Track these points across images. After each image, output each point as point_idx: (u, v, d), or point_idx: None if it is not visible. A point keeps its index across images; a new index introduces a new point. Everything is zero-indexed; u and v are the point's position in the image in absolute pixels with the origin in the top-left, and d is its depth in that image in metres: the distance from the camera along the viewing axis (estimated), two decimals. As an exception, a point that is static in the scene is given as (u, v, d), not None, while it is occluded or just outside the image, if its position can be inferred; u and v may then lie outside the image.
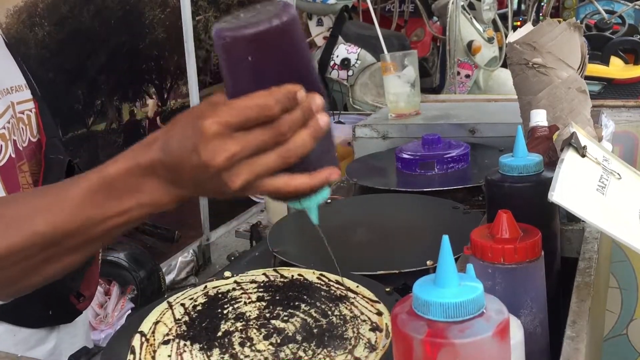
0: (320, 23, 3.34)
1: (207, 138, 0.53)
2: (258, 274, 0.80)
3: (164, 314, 0.72)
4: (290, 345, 0.64)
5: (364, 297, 0.73)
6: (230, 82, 0.55)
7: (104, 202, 0.58)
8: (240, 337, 0.66)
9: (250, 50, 0.52)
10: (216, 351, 0.64)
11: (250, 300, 0.74)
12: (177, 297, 0.76)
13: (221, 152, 0.53)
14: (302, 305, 0.71)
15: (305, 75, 0.56)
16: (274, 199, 0.61)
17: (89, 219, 0.58)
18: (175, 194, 0.58)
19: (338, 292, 0.74)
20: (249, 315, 0.70)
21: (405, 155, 1.24)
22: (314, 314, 0.70)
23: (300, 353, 0.63)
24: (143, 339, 0.67)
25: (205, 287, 0.78)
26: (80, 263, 0.64)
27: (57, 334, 0.94)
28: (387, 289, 0.75)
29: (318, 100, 0.55)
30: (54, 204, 0.59)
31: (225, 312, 0.71)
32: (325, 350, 0.63)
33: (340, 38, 3.24)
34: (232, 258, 1.03)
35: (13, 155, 0.85)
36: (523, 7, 4.01)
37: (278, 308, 0.71)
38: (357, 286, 0.75)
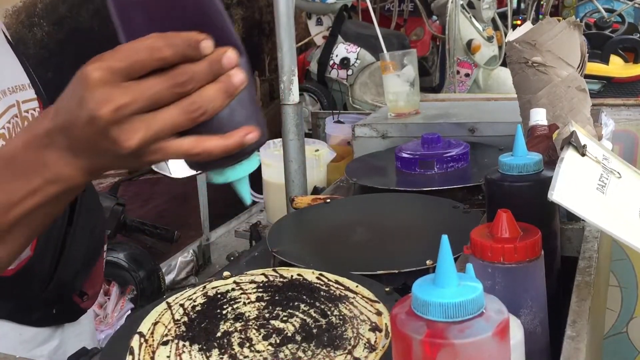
0: (319, 22, 3.34)
1: (91, 87, 0.46)
2: (257, 274, 0.80)
3: (162, 315, 0.72)
4: (290, 346, 0.64)
5: (364, 296, 0.73)
6: (121, 29, 0.49)
7: (8, 185, 0.52)
8: (240, 338, 0.66)
9: None
10: (215, 352, 0.64)
11: (249, 300, 0.73)
12: (176, 298, 0.76)
13: (107, 102, 0.46)
14: (302, 305, 0.71)
15: (213, 27, 0.49)
16: (193, 168, 0.53)
17: None
18: (79, 165, 0.51)
19: (337, 292, 0.74)
20: (248, 316, 0.70)
21: (404, 155, 1.24)
22: (314, 314, 0.69)
23: (300, 353, 0.63)
24: (142, 339, 0.67)
25: (204, 287, 0.78)
26: (16, 254, 0.58)
27: (61, 332, 0.94)
28: (387, 289, 0.74)
29: (230, 53, 0.48)
30: None
31: (224, 312, 0.71)
32: (324, 350, 0.63)
33: (339, 37, 3.24)
34: (232, 258, 1.02)
35: None
36: (522, 5, 4.01)
37: (277, 308, 0.71)
38: (357, 286, 0.75)
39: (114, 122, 0.47)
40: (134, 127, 0.47)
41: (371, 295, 0.73)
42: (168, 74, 0.47)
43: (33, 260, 0.83)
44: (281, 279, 0.78)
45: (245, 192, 0.55)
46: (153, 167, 1.44)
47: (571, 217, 0.85)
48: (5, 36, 0.91)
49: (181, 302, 0.74)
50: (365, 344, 0.63)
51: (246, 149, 0.51)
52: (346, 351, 0.63)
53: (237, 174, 0.53)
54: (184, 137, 0.49)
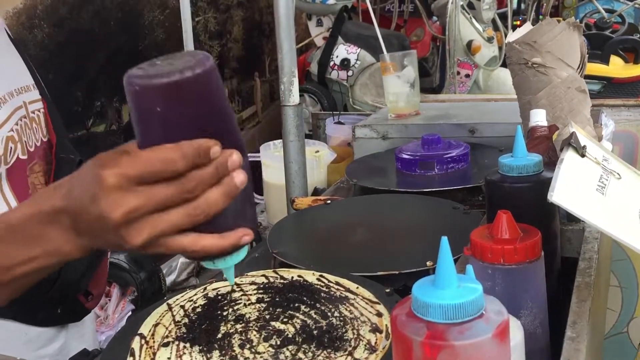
0: (319, 23, 3.34)
1: (106, 189, 0.50)
2: (258, 276, 0.80)
3: (163, 316, 0.72)
4: (290, 347, 0.64)
5: (364, 298, 0.73)
6: (139, 131, 0.52)
7: (9, 250, 0.56)
8: (240, 339, 0.66)
9: (159, 101, 0.50)
10: (216, 353, 0.64)
11: (249, 301, 0.74)
12: (177, 299, 0.76)
13: (120, 206, 0.50)
14: (302, 307, 0.71)
15: (222, 130, 0.53)
16: (186, 257, 0.58)
17: None
18: (80, 244, 0.55)
19: (338, 293, 0.74)
20: (249, 317, 0.70)
21: (405, 156, 1.24)
22: (314, 316, 0.69)
23: (300, 355, 0.63)
24: (143, 341, 0.67)
25: (205, 288, 0.78)
26: (8, 301, 0.61)
27: (65, 332, 0.95)
28: (387, 290, 0.74)
29: (235, 157, 0.52)
30: None
31: (224, 313, 0.71)
32: (325, 351, 0.63)
33: (339, 38, 3.24)
34: (232, 259, 1.02)
35: (23, 157, 0.85)
36: (523, 6, 4.01)
37: (278, 309, 0.71)
38: (357, 287, 0.75)
39: (124, 223, 0.51)
40: (141, 226, 0.51)
41: (371, 297, 0.73)
42: (178, 181, 0.51)
43: None
44: (282, 281, 0.78)
45: (231, 277, 0.59)
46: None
47: (571, 218, 0.85)
48: (10, 37, 0.92)
49: (182, 303, 0.74)
50: (365, 345, 0.64)
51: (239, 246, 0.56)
52: (347, 352, 0.63)
53: (226, 264, 0.57)
54: (183, 233, 0.53)
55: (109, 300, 1.97)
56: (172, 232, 0.52)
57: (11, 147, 0.83)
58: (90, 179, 0.51)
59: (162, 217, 0.51)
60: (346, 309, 0.70)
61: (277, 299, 0.73)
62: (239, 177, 0.53)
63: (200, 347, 0.65)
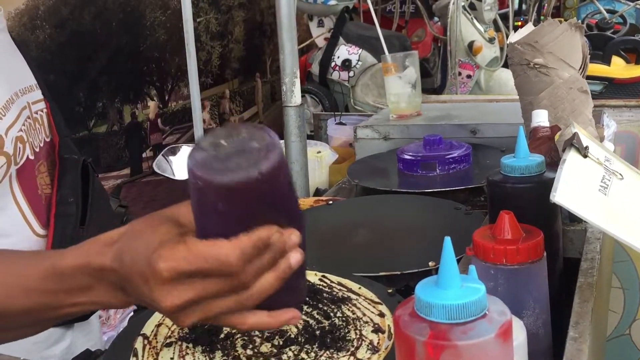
0: (321, 24, 3.34)
1: (159, 281, 0.50)
2: (260, 276, 0.80)
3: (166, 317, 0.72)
4: (293, 347, 0.64)
5: (366, 298, 0.73)
6: (197, 222, 0.50)
7: (56, 292, 0.56)
8: (243, 339, 0.66)
9: (221, 199, 0.47)
10: (218, 353, 0.64)
11: (252, 302, 0.74)
12: (179, 299, 0.76)
13: (172, 298, 0.49)
14: (304, 307, 0.71)
15: (284, 213, 0.50)
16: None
17: (39, 304, 0.57)
18: (125, 300, 0.55)
19: (340, 293, 0.74)
20: (251, 317, 0.70)
21: (406, 156, 1.24)
22: (316, 316, 0.70)
23: (303, 355, 0.63)
24: (145, 341, 0.67)
25: (207, 289, 0.78)
26: (34, 334, 0.63)
27: (72, 332, 0.95)
28: (390, 290, 0.74)
29: (294, 237, 0.51)
30: (10, 278, 0.58)
31: (227, 314, 0.71)
32: (327, 352, 0.63)
33: (341, 39, 3.24)
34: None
35: (31, 157, 0.86)
36: (524, 7, 4.01)
37: (280, 310, 0.71)
38: (359, 287, 0.75)
39: (174, 311, 0.50)
40: (191, 313, 0.50)
41: (374, 297, 0.73)
42: (233, 277, 0.49)
43: None
44: (284, 281, 0.78)
45: None
46: (155, 169, 1.44)
47: (573, 219, 0.85)
48: (11, 37, 0.92)
49: (184, 303, 0.74)
50: (368, 346, 0.64)
51: None
52: (349, 353, 0.63)
53: None
54: (232, 313, 0.51)
55: (111, 300, 1.97)
56: (221, 316, 0.51)
57: (20, 148, 0.84)
58: (143, 263, 0.50)
59: (212, 304, 0.50)
60: (348, 309, 0.71)
61: (280, 300, 0.73)
62: (296, 258, 0.51)
63: (203, 348, 0.65)
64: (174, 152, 1.43)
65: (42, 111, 0.91)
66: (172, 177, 1.50)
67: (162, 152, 1.45)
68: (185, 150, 1.45)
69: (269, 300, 0.51)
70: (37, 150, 0.88)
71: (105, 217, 0.94)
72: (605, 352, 1.18)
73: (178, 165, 1.45)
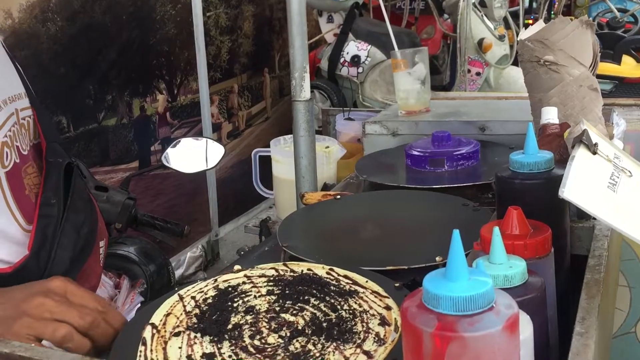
0: (330, 20, 3.34)
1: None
2: (267, 268, 0.81)
3: (174, 307, 0.73)
4: (300, 339, 0.65)
5: (373, 291, 0.73)
6: None
7: None
8: (250, 330, 0.67)
9: None
10: (226, 343, 0.65)
11: (260, 294, 0.74)
12: (188, 290, 0.76)
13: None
14: (312, 300, 0.72)
15: None
16: None
17: None
18: None
19: (347, 286, 0.75)
20: (259, 309, 0.71)
21: (414, 152, 1.24)
22: (324, 308, 0.70)
23: (310, 346, 0.63)
24: (154, 330, 0.68)
25: (216, 280, 0.79)
26: None
27: None
28: (396, 284, 0.75)
29: None
30: None
31: (235, 305, 0.72)
32: (334, 343, 0.63)
33: (350, 35, 3.24)
34: (242, 252, 1.03)
35: (17, 161, 0.90)
36: (534, 4, 3.99)
37: (288, 302, 0.72)
38: (366, 281, 0.76)
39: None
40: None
41: (381, 290, 0.73)
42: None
43: (30, 258, 0.85)
44: (291, 274, 0.79)
45: None
46: (164, 162, 1.45)
47: (581, 216, 0.85)
48: (2, 45, 0.95)
49: (193, 294, 0.75)
50: (374, 338, 0.64)
51: None
52: (356, 345, 0.63)
53: None
54: None
55: (119, 292, 1.98)
56: None
57: (7, 152, 0.87)
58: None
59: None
60: (355, 302, 0.71)
61: (287, 292, 0.74)
62: None
63: (211, 337, 0.66)
64: (180, 145, 1.44)
65: (29, 117, 0.95)
66: (179, 170, 1.51)
67: (170, 145, 1.46)
68: (190, 143, 1.46)
69: None
70: (25, 153, 0.92)
71: (80, 217, 0.96)
72: (611, 349, 1.18)
73: (185, 160, 1.45)
